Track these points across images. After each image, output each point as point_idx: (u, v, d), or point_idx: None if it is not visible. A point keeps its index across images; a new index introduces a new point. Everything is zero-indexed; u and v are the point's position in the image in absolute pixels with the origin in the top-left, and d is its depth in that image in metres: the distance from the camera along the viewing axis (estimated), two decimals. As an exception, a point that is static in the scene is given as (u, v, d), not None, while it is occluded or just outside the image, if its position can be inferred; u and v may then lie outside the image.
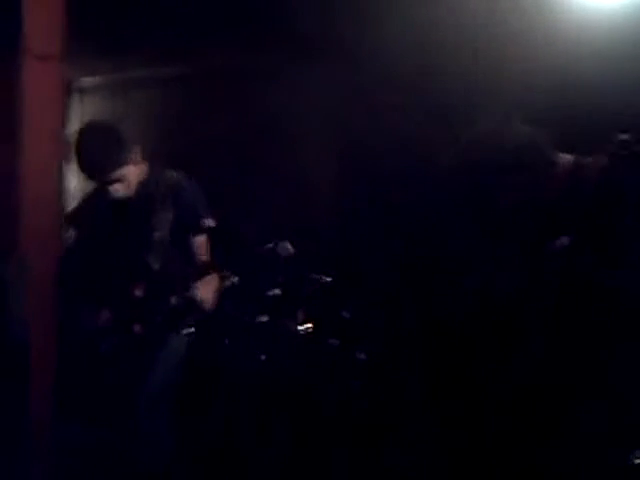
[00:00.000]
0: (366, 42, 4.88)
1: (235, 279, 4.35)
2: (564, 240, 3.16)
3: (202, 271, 3.50)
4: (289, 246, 3.63)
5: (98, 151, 3.51)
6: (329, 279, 4.44)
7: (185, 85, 5.94)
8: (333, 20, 4.93)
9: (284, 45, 5.34)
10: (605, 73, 3.95)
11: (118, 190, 3.56)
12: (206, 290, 3.48)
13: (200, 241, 3.64)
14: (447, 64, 4.47)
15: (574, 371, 3.15)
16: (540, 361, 3.23)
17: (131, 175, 3.59)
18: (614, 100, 3.74)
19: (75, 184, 4.89)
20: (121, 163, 3.53)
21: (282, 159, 5.44)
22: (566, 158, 3.25)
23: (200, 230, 3.61)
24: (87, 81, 6.14)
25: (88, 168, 3.57)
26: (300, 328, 4.43)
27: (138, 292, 3.51)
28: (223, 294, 4.16)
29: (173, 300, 3.44)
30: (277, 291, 4.36)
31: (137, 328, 3.48)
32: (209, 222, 3.60)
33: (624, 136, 2.81)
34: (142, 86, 6.06)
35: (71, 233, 3.81)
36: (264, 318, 4.38)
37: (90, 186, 3.80)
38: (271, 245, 3.58)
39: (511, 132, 3.06)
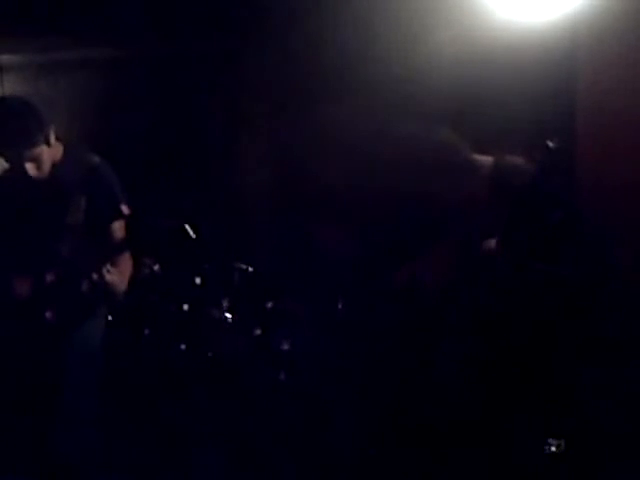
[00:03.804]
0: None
1: (156, 266, 4.31)
2: (493, 242, 3.20)
3: (117, 257, 3.41)
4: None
5: (11, 126, 3.36)
6: (252, 269, 4.40)
7: (116, 70, 5.81)
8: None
9: (222, 34, 5.26)
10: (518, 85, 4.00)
11: (30, 170, 3.45)
12: (119, 277, 3.40)
13: (116, 227, 3.54)
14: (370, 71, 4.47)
15: (501, 364, 3.18)
16: (468, 355, 3.26)
17: (45, 155, 3.45)
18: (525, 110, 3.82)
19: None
20: (35, 142, 3.39)
21: (208, 153, 5.36)
22: (485, 159, 3.30)
23: (116, 216, 3.51)
24: (6, 59, 5.99)
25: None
26: (225, 317, 4.39)
27: (49, 278, 3.42)
28: (144, 282, 4.11)
29: (84, 286, 3.34)
30: (198, 280, 4.32)
31: (48, 315, 3.39)
32: (125, 209, 3.50)
33: (551, 143, 2.87)
34: (69, 68, 5.92)
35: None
36: (186, 307, 4.34)
37: (2, 164, 3.66)
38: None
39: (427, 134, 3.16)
